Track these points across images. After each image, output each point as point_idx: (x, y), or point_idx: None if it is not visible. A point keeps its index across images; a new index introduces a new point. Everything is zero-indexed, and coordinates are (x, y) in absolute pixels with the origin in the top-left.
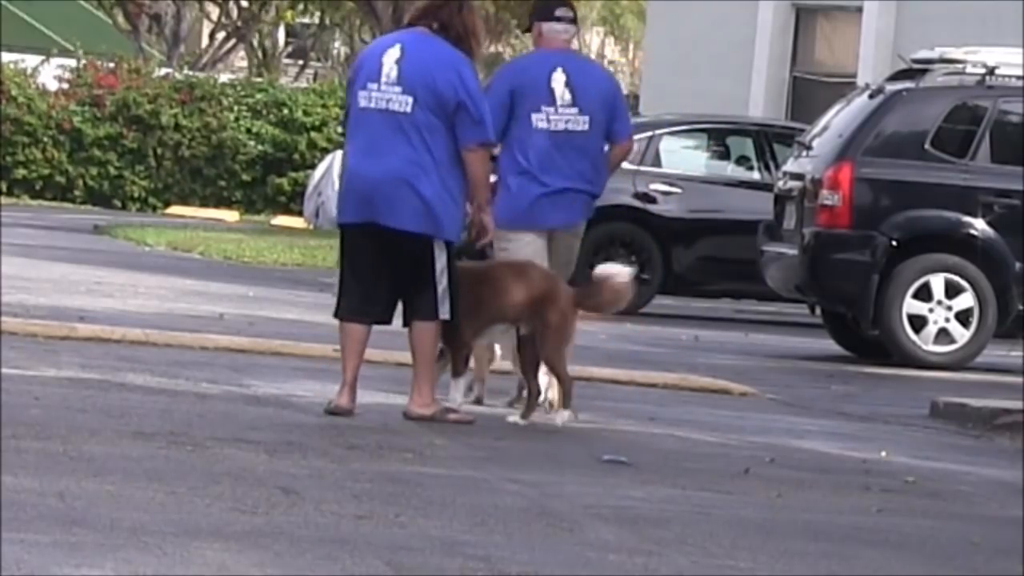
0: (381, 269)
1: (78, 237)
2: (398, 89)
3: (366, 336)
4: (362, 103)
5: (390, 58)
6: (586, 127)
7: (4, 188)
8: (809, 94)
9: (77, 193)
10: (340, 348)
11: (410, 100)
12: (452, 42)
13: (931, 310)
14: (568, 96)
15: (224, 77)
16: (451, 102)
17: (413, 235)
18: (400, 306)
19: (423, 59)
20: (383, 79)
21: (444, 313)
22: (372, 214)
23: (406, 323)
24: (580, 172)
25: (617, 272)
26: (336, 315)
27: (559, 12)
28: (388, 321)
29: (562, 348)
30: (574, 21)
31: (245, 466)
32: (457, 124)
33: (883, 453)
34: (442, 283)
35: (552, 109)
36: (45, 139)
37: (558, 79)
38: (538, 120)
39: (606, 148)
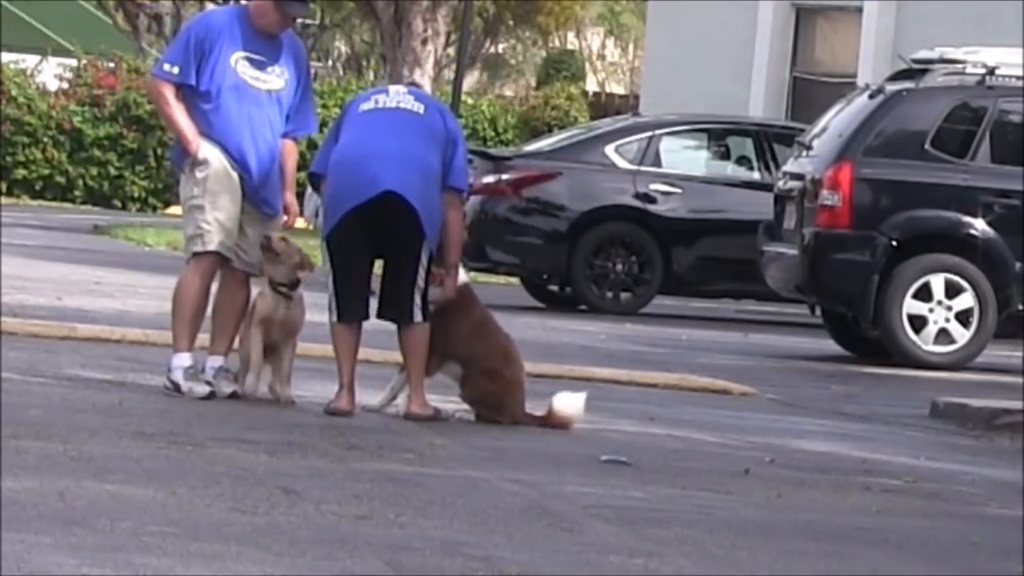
0: (368, 266)
1: (78, 237)
2: (410, 97)
3: (358, 336)
4: (365, 108)
5: (394, 86)
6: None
7: (4, 188)
8: (809, 94)
9: (77, 193)
10: (334, 351)
11: (422, 107)
12: None
13: (931, 310)
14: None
15: None
16: (452, 136)
17: (407, 208)
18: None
19: (426, 95)
20: (391, 92)
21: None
22: (366, 188)
23: (380, 317)
24: None
25: None
26: (338, 320)
27: None
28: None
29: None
30: None
31: (245, 466)
32: (445, 163)
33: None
34: (423, 286)
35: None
36: (45, 139)
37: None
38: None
39: None
